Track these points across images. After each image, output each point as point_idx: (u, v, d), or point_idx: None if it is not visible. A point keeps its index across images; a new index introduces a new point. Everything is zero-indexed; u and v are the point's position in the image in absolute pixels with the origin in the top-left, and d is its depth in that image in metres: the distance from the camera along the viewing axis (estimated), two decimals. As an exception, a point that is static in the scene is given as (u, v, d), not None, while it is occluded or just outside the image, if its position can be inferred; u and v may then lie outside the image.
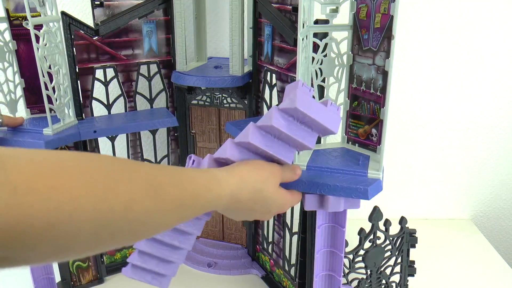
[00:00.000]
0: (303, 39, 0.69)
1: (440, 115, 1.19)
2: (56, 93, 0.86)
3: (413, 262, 0.93)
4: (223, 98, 1.00)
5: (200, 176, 0.53)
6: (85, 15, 1.08)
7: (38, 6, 0.82)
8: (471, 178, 1.28)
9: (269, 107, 0.94)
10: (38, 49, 0.81)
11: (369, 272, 0.88)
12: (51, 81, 0.84)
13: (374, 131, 0.79)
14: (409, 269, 0.93)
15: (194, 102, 1.02)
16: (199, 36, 1.04)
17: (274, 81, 0.91)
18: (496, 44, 1.11)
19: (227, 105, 1.00)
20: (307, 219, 0.86)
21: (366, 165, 0.75)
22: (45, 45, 0.83)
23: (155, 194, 0.43)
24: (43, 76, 0.82)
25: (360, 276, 0.88)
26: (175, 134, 1.06)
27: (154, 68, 0.99)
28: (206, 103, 1.02)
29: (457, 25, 1.10)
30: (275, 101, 0.92)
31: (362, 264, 0.86)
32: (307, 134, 0.64)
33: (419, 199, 1.30)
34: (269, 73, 0.92)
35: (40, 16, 0.83)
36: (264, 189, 0.61)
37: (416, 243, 0.91)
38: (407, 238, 0.90)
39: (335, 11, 0.75)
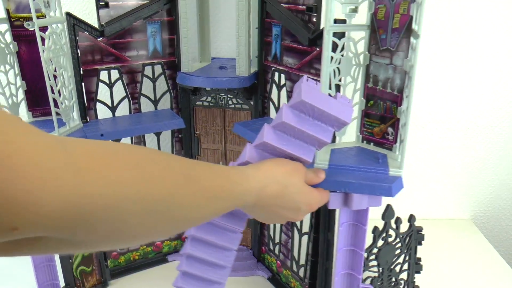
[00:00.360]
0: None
1: (440, 115, 1.21)
2: (61, 96, 0.83)
3: (419, 259, 0.94)
4: (228, 99, 0.99)
5: (230, 171, 0.55)
6: (85, 15, 1.05)
7: (43, 7, 0.79)
8: (471, 178, 1.29)
9: (277, 107, 0.94)
10: (44, 51, 0.78)
11: (381, 270, 0.89)
12: (56, 84, 0.82)
13: (390, 129, 0.80)
14: (416, 266, 0.95)
15: (199, 103, 1.01)
16: (203, 37, 1.02)
17: (282, 81, 0.91)
18: (496, 44, 1.14)
19: (232, 106, 0.99)
20: (321, 219, 0.86)
21: (386, 163, 0.76)
22: (51, 47, 0.80)
23: (193, 184, 0.45)
24: (49, 79, 0.79)
25: (372, 274, 0.89)
26: (180, 136, 1.04)
27: (158, 69, 0.97)
28: (211, 104, 1.00)
29: (457, 25, 1.12)
30: (283, 101, 0.92)
31: (375, 262, 0.87)
32: (320, 128, 0.64)
33: (419, 199, 1.32)
34: (277, 73, 0.91)
35: (45, 17, 0.80)
36: (289, 184, 0.61)
37: (423, 240, 0.92)
38: (415, 235, 0.92)
39: (354, 11, 0.76)
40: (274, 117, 0.95)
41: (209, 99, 1.00)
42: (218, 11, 1.10)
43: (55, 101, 0.81)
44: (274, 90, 0.93)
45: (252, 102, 0.98)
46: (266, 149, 0.65)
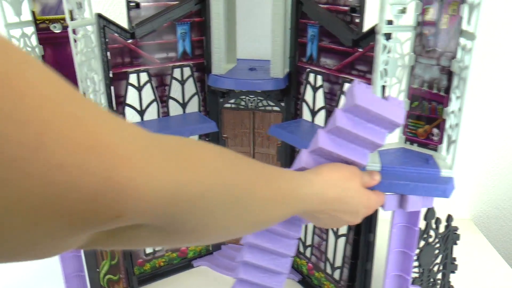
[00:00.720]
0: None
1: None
2: (93, 100, 0.80)
3: (454, 258, 0.95)
4: (258, 100, 0.97)
5: (295, 175, 0.56)
6: (114, 16, 1.01)
7: (76, 8, 0.75)
8: (471, 178, 1.30)
9: (311, 109, 0.93)
10: (77, 54, 0.75)
11: (421, 270, 0.89)
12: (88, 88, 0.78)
13: (435, 130, 0.79)
14: (451, 265, 0.95)
15: (227, 105, 0.98)
16: (230, 38, 1.00)
17: (319, 82, 0.89)
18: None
19: (263, 108, 0.97)
20: (362, 221, 0.85)
21: (435, 163, 0.75)
22: (83, 50, 0.77)
23: (267, 183, 0.47)
24: (82, 84, 0.76)
25: (412, 275, 0.89)
26: (207, 139, 1.02)
27: (187, 71, 0.95)
28: (240, 107, 0.98)
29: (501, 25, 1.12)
30: (319, 102, 0.91)
31: (415, 263, 0.87)
32: (374, 131, 0.63)
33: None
34: (312, 74, 0.90)
35: (77, 19, 0.76)
36: (348, 188, 0.61)
37: (459, 239, 0.93)
38: (452, 235, 0.92)
39: (403, 11, 0.75)
40: (307, 119, 0.94)
41: (238, 101, 0.97)
42: (241, 11, 1.08)
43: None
44: (309, 91, 0.92)
45: (283, 104, 0.96)
46: (322, 154, 0.65)
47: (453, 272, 0.95)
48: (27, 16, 0.83)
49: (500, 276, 1.12)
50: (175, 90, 0.95)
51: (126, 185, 0.26)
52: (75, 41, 0.75)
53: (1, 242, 0.24)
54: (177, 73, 0.93)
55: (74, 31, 0.75)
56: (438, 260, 0.91)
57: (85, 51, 0.77)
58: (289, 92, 0.94)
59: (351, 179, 0.63)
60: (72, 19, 0.76)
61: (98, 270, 0.94)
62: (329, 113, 0.89)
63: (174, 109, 0.97)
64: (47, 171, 0.23)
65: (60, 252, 0.28)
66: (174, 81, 0.94)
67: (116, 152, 0.26)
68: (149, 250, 1.06)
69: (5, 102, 0.21)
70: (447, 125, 0.77)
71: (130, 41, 0.85)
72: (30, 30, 0.82)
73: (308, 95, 0.92)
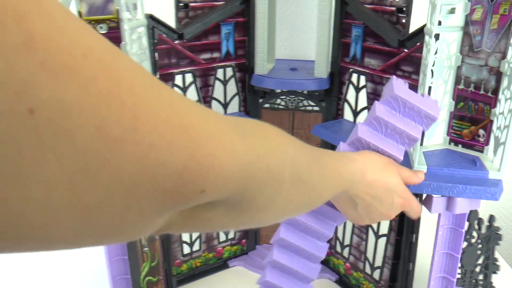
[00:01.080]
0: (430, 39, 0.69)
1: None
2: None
3: (496, 259, 0.94)
4: (299, 101, 0.97)
5: (339, 153, 0.61)
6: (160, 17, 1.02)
7: (132, 9, 0.77)
8: None
9: (353, 109, 0.93)
10: (132, 57, 0.76)
11: (464, 271, 0.89)
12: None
13: (481, 131, 0.79)
14: (493, 266, 0.95)
15: (267, 105, 0.99)
16: (270, 38, 1.01)
17: (362, 83, 0.90)
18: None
19: (303, 108, 0.98)
20: (405, 221, 0.86)
21: (483, 165, 0.75)
22: (137, 52, 0.78)
23: (319, 160, 0.50)
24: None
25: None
26: (247, 139, 1.02)
27: (229, 71, 0.96)
28: (280, 107, 0.99)
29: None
30: (362, 103, 0.91)
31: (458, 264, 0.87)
32: (410, 125, 0.65)
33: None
34: (355, 74, 0.90)
35: (132, 20, 0.78)
36: (386, 174, 0.63)
37: (501, 240, 0.92)
38: (494, 235, 0.92)
39: (452, 12, 0.75)
40: (348, 119, 0.94)
41: (278, 101, 0.98)
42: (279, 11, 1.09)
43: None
44: (351, 91, 0.92)
45: (324, 104, 0.97)
46: (360, 147, 0.66)
47: (495, 272, 0.95)
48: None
49: (500, 276, 1.12)
50: (217, 90, 0.96)
51: (209, 161, 0.28)
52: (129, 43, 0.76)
53: (100, 224, 0.25)
54: (220, 73, 0.95)
55: (116, 33, 0.76)
56: (480, 261, 0.91)
57: (139, 54, 0.78)
58: (331, 92, 0.95)
59: (389, 167, 0.64)
60: (125, 20, 0.77)
61: (139, 272, 0.96)
62: (371, 114, 0.89)
63: (216, 109, 0.98)
64: (142, 151, 0.24)
65: (147, 233, 0.30)
66: (217, 82, 0.95)
67: (200, 131, 0.28)
68: (186, 250, 1.07)
69: (106, 84, 0.22)
70: (494, 127, 0.77)
71: (177, 41, 0.87)
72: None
73: (351, 95, 0.93)
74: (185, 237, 1.06)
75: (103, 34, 0.83)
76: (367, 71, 0.88)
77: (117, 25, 0.82)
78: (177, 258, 1.06)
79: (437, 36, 0.75)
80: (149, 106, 0.25)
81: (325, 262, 1.10)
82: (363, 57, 0.88)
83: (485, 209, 1.32)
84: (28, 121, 0.20)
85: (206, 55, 0.91)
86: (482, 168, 0.74)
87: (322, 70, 0.91)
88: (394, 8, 0.81)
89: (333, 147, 0.99)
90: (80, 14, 0.85)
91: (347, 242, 1.03)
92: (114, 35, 0.83)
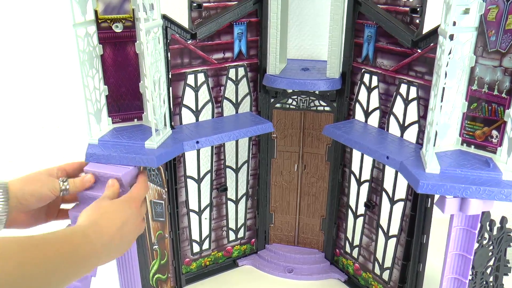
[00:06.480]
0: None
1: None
2: (158, 103, 0.81)
3: (508, 261, 0.94)
4: (310, 101, 0.97)
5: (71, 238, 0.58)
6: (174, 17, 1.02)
7: (149, 10, 0.77)
8: None
9: (365, 110, 0.93)
10: (148, 56, 0.76)
11: (474, 273, 0.89)
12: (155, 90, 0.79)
13: (494, 132, 0.79)
14: (504, 268, 0.95)
15: (278, 105, 0.99)
16: (282, 38, 1.01)
17: (374, 83, 0.90)
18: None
19: (314, 108, 0.98)
20: (416, 222, 0.85)
21: (496, 166, 0.75)
22: (152, 52, 0.78)
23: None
24: (151, 87, 0.78)
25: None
26: (257, 139, 1.03)
27: (241, 71, 0.96)
28: (291, 107, 0.99)
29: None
30: (373, 103, 0.91)
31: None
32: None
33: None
34: (367, 74, 0.90)
35: (149, 20, 0.78)
36: (94, 212, 0.63)
37: (513, 242, 0.92)
38: (506, 237, 0.92)
39: (466, 12, 0.75)
40: (360, 119, 0.94)
41: (289, 101, 0.98)
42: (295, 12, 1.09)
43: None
44: (363, 91, 0.92)
45: (335, 104, 0.97)
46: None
47: (506, 274, 0.95)
48: (91, 15, 0.85)
49: (511, 278, 1.11)
50: (229, 90, 0.96)
51: None
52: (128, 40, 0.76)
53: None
54: (232, 73, 0.95)
55: (130, 32, 0.76)
56: (491, 263, 0.91)
57: (154, 53, 0.78)
58: (343, 93, 0.95)
59: (93, 205, 0.64)
60: (128, 17, 0.78)
61: (148, 269, 0.96)
62: (383, 114, 0.89)
63: (228, 108, 0.98)
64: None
65: None
66: (229, 81, 0.95)
67: None
68: (196, 249, 1.08)
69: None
70: (508, 128, 0.77)
71: (190, 41, 0.87)
72: (93, 29, 0.84)
73: (362, 95, 0.93)
74: (195, 235, 1.06)
75: (118, 32, 0.84)
76: (379, 71, 0.88)
77: (133, 24, 0.82)
78: (187, 257, 1.06)
79: (451, 37, 0.75)
80: None
81: (334, 262, 1.10)
82: (376, 58, 0.88)
83: (495, 210, 1.32)
84: None
85: (219, 55, 0.92)
86: (495, 169, 0.74)
87: (334, 70, 0.91)
88: (407, 9, 0.81)
89: (342, 147, 0.99)
90: (96, 13, 0.85)
91: (356, 242, 1.03)
92: (129, 34, 0.84)
